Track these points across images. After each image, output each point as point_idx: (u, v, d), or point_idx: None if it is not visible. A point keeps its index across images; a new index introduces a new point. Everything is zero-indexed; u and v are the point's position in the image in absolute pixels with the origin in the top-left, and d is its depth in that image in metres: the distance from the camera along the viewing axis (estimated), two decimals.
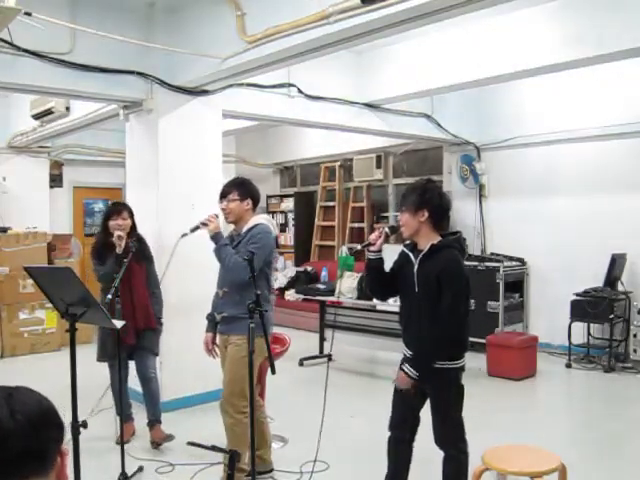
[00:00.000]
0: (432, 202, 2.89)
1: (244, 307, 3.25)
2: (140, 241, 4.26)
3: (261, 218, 3.60)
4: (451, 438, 2.91)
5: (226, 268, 3.48)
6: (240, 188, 3.57)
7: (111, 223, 4.18)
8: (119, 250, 4.05)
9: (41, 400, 1.15)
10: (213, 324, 3.66)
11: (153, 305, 4.27)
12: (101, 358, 4.27)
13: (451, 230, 3.15)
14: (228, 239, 3.57)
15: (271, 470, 3.80)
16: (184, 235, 3.63)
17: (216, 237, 3.49)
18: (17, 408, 1.09)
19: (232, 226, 3.66)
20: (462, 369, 2.93)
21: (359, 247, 3.17)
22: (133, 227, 4.28)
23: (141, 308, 4.18)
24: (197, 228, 3.57)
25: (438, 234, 2.93)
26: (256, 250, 3.33)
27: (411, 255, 2.97)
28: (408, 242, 3.06)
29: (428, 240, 2.90)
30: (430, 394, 2.94)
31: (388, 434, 3.07)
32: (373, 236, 3.00)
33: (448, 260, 2.85)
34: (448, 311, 2.79)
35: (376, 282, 3.12)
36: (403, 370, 2.88)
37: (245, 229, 3.54)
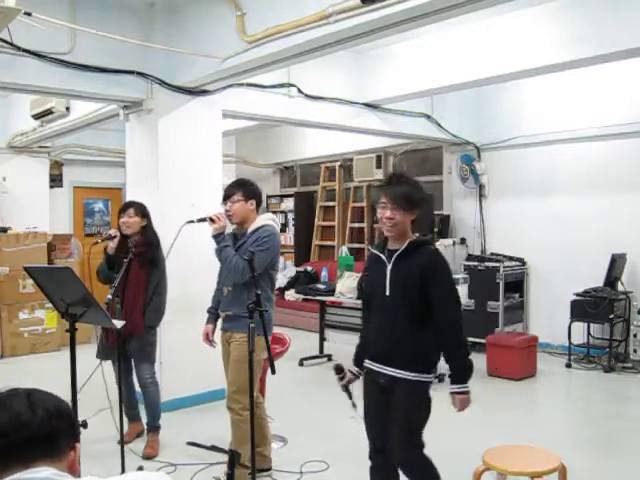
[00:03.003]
0: (424, 201, 2.75)
1: None
2: (149, 245, 4.13)
3: (267, 218, 3.62)
4: (408, 456, 2.73)
5: (227, 269, 3.51)
6: (243, 189, 3.57)
7: (119, 221, 4.18)
8: (110, 250, 4.10)
9: (58, 399, 1.32)
10: (214, 317, 3.74)
11: (146, 312, 4.11)
12: (97, 355, 4.12)
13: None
14: (231, 237, 3.58)
15: (269, 468, 3.80)
16: (190, 222, 3.54)
17: (218, 237, 3.49)
18: (36, 402, 1.26)
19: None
20: (430, 383, 2.69)
21: None
22: (145, 227, 4.17)
23: (128, 313, 4.02)
24: (204, 220, 3.52)
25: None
26: (263, 252, 3.38)
27: (382, 256, 2.73)
28: (377, 243, 2.88)
29: (405, 239, 2.67)
30: (396, 406, 2.73)
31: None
32: None
33: (430, 254, 2.65)
34: (445, 301, 2.60)
35: None
36: (456, 392, 2.61)
37: (251, 229, 3.54)
